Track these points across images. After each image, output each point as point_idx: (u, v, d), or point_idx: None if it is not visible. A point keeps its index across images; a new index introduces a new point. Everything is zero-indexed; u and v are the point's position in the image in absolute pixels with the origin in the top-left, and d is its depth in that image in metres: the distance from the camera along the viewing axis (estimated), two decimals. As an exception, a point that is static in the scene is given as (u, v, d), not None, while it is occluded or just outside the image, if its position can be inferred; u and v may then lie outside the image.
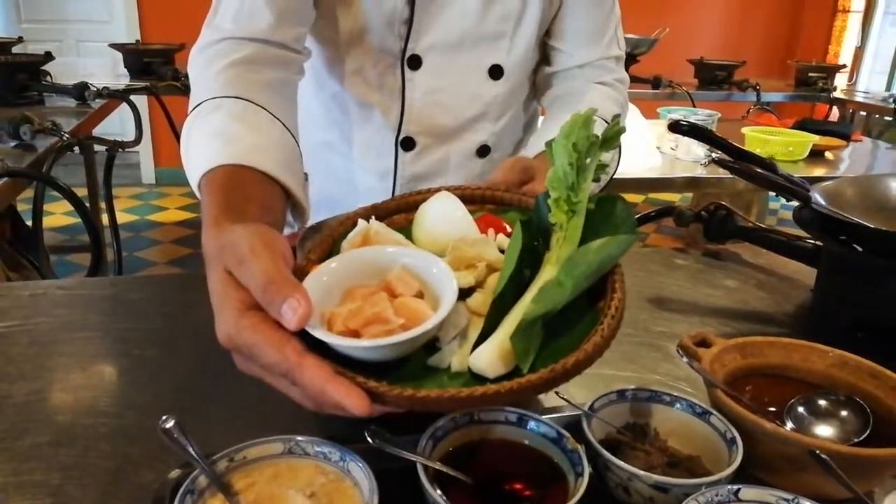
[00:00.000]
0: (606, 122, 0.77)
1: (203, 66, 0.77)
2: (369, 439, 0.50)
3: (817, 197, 0.92)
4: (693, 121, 2.21)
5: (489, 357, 0.51)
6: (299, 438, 0.52)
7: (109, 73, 3.22)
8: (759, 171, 0.92)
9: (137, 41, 4.03)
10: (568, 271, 0.54)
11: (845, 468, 0.53)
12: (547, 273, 0.56)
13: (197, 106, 0.72)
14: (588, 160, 0.59)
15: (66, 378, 0.72)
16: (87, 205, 1.96)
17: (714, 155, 1.02)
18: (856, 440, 0.61)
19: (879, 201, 0.99)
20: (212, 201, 0.60)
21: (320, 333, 0.49)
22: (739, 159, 0.96)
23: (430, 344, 0.54)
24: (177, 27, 4.46)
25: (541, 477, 0.54)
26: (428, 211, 0.65)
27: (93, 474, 0.59)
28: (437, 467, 0.51)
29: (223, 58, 0.76)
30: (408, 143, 0.97)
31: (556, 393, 0.59)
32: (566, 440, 0.54)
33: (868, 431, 0.61)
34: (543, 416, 0.57)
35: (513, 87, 0.98)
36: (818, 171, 2.17)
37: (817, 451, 0.51)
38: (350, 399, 0.45)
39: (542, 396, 0.71)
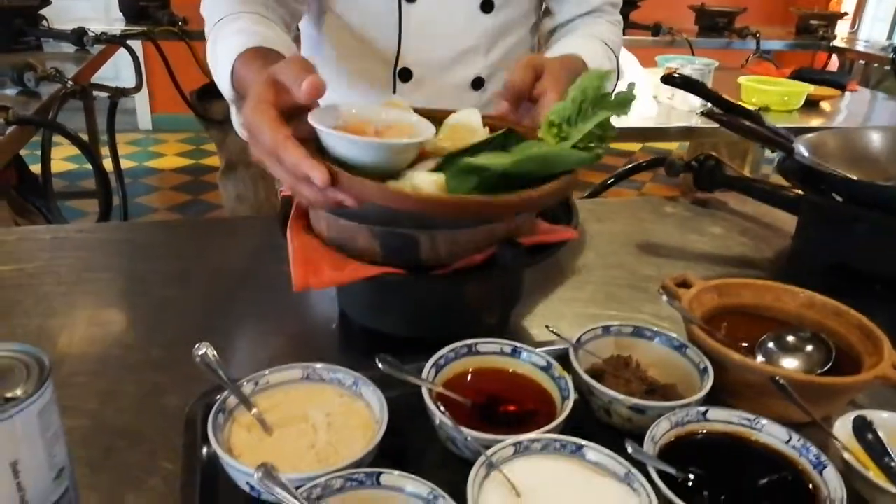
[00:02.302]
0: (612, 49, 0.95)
1: None
2: (380, 365, 0.56)
3: (800, 148, 0.96)
4: (690, 70, 2.23)
5: (428, 181, 0.60)
6: (317, 366, 0.58)
7: (102, 16, 3.19)
8: (745, 123, 0.96)
9: (132, -16, 3.95)
10: (519, 150, 0.63)
11: (803, 395, 0.59)
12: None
13: (219, 21, 0.84)
14: (591, 108, 0.63)
15: (95, 315, 0.78)
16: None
17: (706, 106, 1.06)
18: (819, 371, 0.67)
19: (860, 153, 1.04)
20: (255, 62, 0.74)
21: (315, 121, 0.59)
22: (728, 111, 1.00)
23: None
24: (170, -31, 4.39)
25: (532, 401, 0.60)
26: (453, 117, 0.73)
27: (126, 399, 0.65)
28: (440, 390, 0.57)
29: None
30: (405, 74, 1.02)
31: (547, 327, 0.66)
32: (554, 368, 0.60)
33: (830, 364, 0.68)
34: (536, 349, 0.63)
35: (504, 21, 1.02)
36: (814, 121, 2.20)
37: (777, 378, 0.57)
38: (316, 171, 0.56)
39: (534, 332, 0.77)
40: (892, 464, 0.49)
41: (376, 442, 0.51)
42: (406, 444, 0.57)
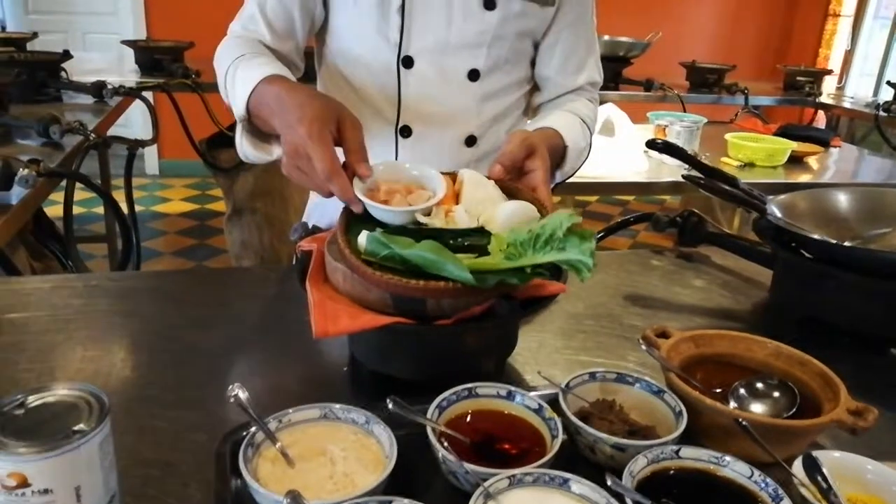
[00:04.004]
0: (588, 126, 1.12)
1: (231, 39, 1.07)
2: (390, 406, 0.63)
3: (773, 209, 1.05)
4: (679, 127, 2.34)
5: (360, 238, 0.75)
6: (334, 406, 0.66)
7: (116, 67, 3.30)
8: (722, 186, 1.05)
9: (148, 38, 4.12)
10: (428, 245, 0.71)
11: (768, 436, 0.66)
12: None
13: (241, 56, 0.98)
14: (546, 244, 0.71)
15: (127, 357, 0.86)
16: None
17: (687, 170, 1.15)
18: (785, 415, 0.75)
19: (829, 213, 1.13)
20: (279, 82, 0.89)
21: (360, 194, 0.77)
22: (707, 175, 1.09)
23: None
24: (183, 20, 4.57)
25: (524, 440, 0.67)
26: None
27: (160, 435, 0.72)
28: (443, 429, 0.64)
29: (245, 37, 1.07)
30: (405, 131, 1.12)
31: (539, 373, 0.73)
32: (545, 410, 0.68)
33: (795, 409, 0.75)
34: (529, 392, 0.71)
35: (491, 89, 1.13)
36: (799, 177, 2.29)
37: (741, 420, 0.65)
38: (352, 200, 0.78)
39: (528, 377, 0.84)
40: (835, 499, 0.56)
41: (387, 473, 0.58)
42: (413, 476, 0.64)
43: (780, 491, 0.58)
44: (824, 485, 0.57)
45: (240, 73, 0.95)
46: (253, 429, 0.62)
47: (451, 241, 0.74)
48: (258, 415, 0.63)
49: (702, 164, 1.11)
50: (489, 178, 0.87)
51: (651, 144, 1.14)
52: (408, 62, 1.07)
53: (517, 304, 0.75)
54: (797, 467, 0.63)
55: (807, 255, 1.01)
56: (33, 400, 0.53)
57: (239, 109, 0.93)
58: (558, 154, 1.05)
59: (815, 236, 0.98)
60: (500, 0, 1.03)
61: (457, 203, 0.82)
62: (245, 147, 0.96)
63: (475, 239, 0.75)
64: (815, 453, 0.61)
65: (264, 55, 1.01)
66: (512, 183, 0.88)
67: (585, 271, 0.69)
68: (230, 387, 0.62)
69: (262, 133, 0.96)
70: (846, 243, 1.05)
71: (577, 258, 0.69)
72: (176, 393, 0.79)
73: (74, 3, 5.09)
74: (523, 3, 1.04)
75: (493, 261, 0.71)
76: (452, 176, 0.86)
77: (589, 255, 0.69)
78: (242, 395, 0.62)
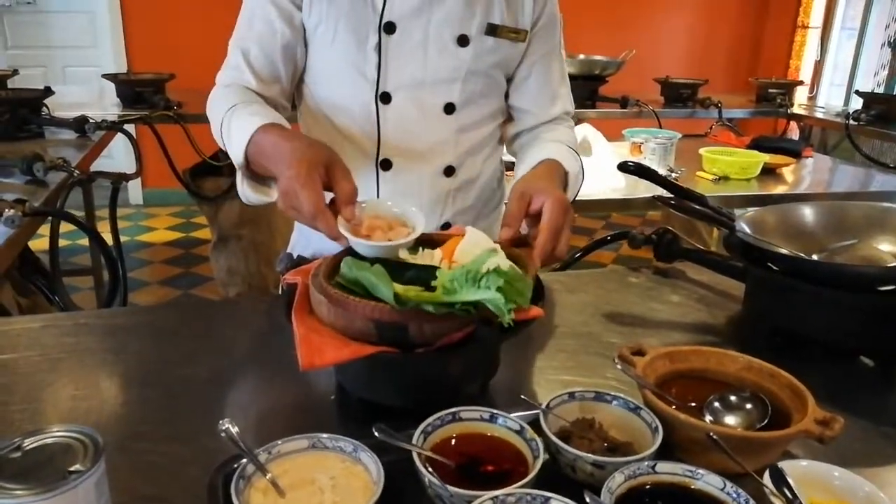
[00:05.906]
0: (575, 151, 1.11)
1: (220, 89, 1.11)
2: (376, 434, 0.66)
3: (741, 225, 1.09)
4: (654, 143, 2.39)
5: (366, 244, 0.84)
6: (322, 436, 0.68)
7: (97, 100, 3.32)
8: (691, 205, 1.09)
9: (129, 71, 4.15)
10: (375, 272, 0.77)
11: (740, 448, 0.69)
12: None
13: (233, 106, 1.03)
14: (482, 279, 0.73)
15: (119, 395, 0.87)
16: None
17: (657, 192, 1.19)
18: (758, 426, 0.78)
19: (796, 226, 1.17)
20: (274, 130, 0.95)
21: (344, 231, 0.82)
22: (676, 195, 1.13)
23: None
24: (163, 51, 4.60)
25: (507, 461, 0.70)
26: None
27: (153, 470, 0.73)
28: (428, 454, 0.66)
29: (234, 86, 1.11)
30: (385, 164, 1.16)
31: (521, 396, 0.76)
32: (527, 431, 0.70)
33: (767, 420, 0.78)
34: (510, 414, 0.73)
35: (467, 122, 1.17)
36: (772, 189, 2.34)
37: (711, 434, 0.68)
38: (336, 236, 0.83)
39: (510, 399, 0.87)
40: (801, 506, 0.59)
41: (375, 499, 0.60)
42: (400, 501, 0.66)
43: (751, 501, 0.61)
44: (790, 495, 0.60)
45: (234, 122, 1.00)
46: (244, 461, 0.64)
47: (406, 273, 0.79)
48: (248, 447, 0.65)
49: (672, 183, 1.15)
50: (497, 240, 0.89)
51: (623, 167, 1.18)
52: (385, 98, 1.10)
53: (497, 328, 0.77)
54: (768, 478, 0.66)
55: (775, 268, 1.04)
56: (29, 443, 0.55)
57: (238, 158, 0.98)
58: (563, 182, 1.09)
59: (782, 251, 1.02)
60: (473, 37, 1.07)
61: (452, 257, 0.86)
62: (246, 191, 1.01)
63: (427, 273, 0.78)
64: (783, 464, 0.64)
65: (256, 103, 1.05)
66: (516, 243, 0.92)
67: (503, 313, 0.71)
68: (221, 421, 0.65)
69: (259, 176, 1.02)
70: (812, 257, 1.09)
71: (492, 297, 0.71)
72: (168, 428, 0.80)
73: (53, 38, 5.10)
74: (495, 39, 1.09)
75: (434, 296, 0.74)
76: (461, 233, 0.90)
77: (500, 296, 0.70)
78: (233, 428, 0.64)
